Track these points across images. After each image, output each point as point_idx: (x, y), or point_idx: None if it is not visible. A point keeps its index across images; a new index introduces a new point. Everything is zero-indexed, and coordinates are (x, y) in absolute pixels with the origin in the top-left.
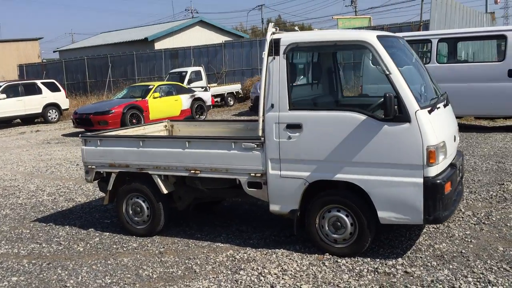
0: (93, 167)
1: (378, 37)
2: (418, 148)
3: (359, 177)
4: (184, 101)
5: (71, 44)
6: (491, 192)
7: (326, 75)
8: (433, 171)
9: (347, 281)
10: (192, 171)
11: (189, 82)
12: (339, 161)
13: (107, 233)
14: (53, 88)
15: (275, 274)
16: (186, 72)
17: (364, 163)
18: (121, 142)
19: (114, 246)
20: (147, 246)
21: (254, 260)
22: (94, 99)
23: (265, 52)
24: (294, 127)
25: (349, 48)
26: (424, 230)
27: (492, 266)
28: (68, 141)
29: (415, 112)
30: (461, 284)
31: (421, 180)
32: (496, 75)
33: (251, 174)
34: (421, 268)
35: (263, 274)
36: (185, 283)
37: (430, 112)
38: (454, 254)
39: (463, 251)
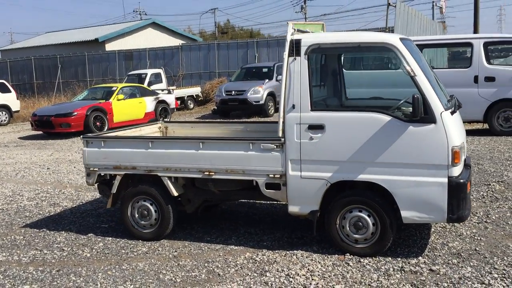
0: (95, 169)
1: (401, 39)
2: (443, 148)
3: (382, 177)
4: (148, 104)
5: (11, 44)
6: (482, 192)
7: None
8: (456, 171)
9: (378, 280)
10: (206, 173)
11: (149, 84)
12: (363, 161)
13: (110, 238)
14: (2, 89)
15: (303, 275)
16: (146, 74)
17: (388, 164)
18: (128, 143)
19: (123, 251)
20: (158, 250)
21: (276, 262)
22: (44, 101)
23: (286, 53)
24: (316, 128)
25: (372, 50)
26: (433, 229)
27: (510, 263)
28: (28, 144)
29: (441, 113)
30: (489, 280)
31: (445, 180)
32: (463, 81)
33: (270, 175)
34: (444, 266)
35: (291, 276)
36: (213, 286)
37: (452, 113)
38: (470, 252)
39: (477, 248)
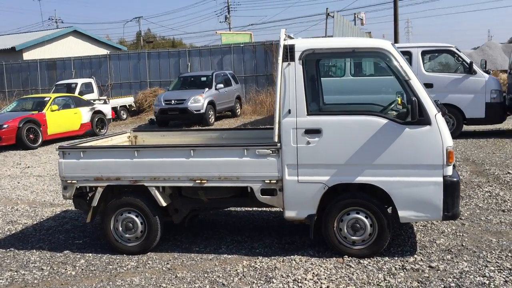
0: (73, 182)
1: (392, 45)
2: (439, 149)
3: (380, 179)
4: (84, 114)
5: None
6: None
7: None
8: (450, 170)
9: (385, 280)
10: (197, 181)
11: (80, 94)
12: (360, 164)
13: (90, 254)
14: None
15: (311, 279)
16: (76, 84)
17: (385, 165)
18: (111, 153)
19: (110, 267)
20: (148, 263)
21: (277, 268)
22: None
23: (280, 58)
24: (313, 132)
25: (366, 55)
26: (416, 228)
27: (499, 255)
28: None
29: (435, 115)
30: (488, 273)
31: (441, 179)
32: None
33: (266, 181)
34: (441, 262)
35: (299, 280)
36: None
37: (442, 115)
38: (459, 248)
39: (463, 244)
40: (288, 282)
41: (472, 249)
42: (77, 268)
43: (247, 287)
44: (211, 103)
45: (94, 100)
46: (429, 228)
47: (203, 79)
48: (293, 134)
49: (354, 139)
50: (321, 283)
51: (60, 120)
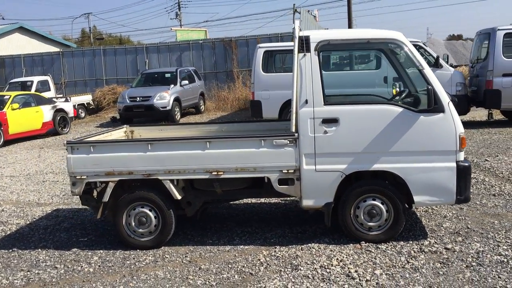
0: (83, 177)
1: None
2: (452, 135)
3: (396, 166)
4: (45, 113)
5: None
6: None
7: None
8: (462, 155)
9: (409, 262)
10: (214, 173)
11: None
12: (377, 152)
13: (101, 251)
14: None
15: (337, 265)
16: (32, 81)
17: (400, 152)
18: (123, 147)
19: (128, 262)
20: (166, 257)
21: (298, 256)
22: None
23: (295, 50)
24: (331, 121)
25: (380, 46)
26: (419, 214)
27: (506, 235)
28: None
29: (448, 103)
30: (502, 251)
31: (454, 164)
32: (375, 81)
33: (283, 171)
34: (454, 244)
35: (326, 267)
36: (256, 285)
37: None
38: (466, 230)
39: (469, 227)
40: (316, 268)
41: (478, 231)
42: (93, 265)
43: (275, 275)
44: (176, 100)
45: (61, 97)
46: (431, 213)
47: (167, 75)
48: (310, 123)
49: (371, 127)
50: (348, 268)
51: (21, 119)
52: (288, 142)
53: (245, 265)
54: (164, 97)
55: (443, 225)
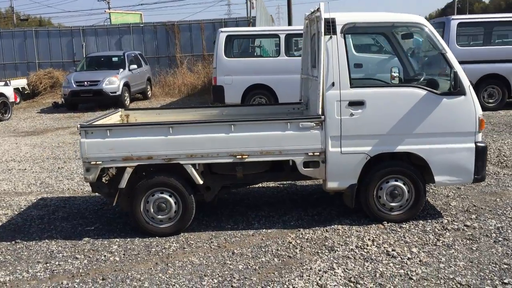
0: (98, 163)
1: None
2: (472, 117)
3: (419, 147)
4: None
5: None
6: None
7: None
8: (480, 136)
9: (439, 240)
10: (238, 156)
11: None
12: (401, 134)
13: (117, 239)
14: None
15: (372, 244)
16: None
17: (424, 134)
18: (142, 131)
19: (153, 250)
20: (190, 243)
21: (328, 238)
22: None
23: (322, 32)
24: (357, 104)
25: (405, 30)
26: None
27: None
28: None
29: (468, 86)
30: None
31: (473, 145)
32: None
33: (309, 154)
34: (471, 221)
35: (363, 246)
36: (301, 268)
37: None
38: (474, 208)
39: (475, 205)
40: (352, 249)
41: (486, 209)
42: (116, 254)
43: (315, 257)
44: (126, 85)
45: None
46: (433, 193)
47: (115, 59)
48: (337, 106)
49: (396, 110)
50: (384, 247)
51: None
52: (314, 124)
53: (279, 249)
54: (113, 82)
55: (451, 204)
